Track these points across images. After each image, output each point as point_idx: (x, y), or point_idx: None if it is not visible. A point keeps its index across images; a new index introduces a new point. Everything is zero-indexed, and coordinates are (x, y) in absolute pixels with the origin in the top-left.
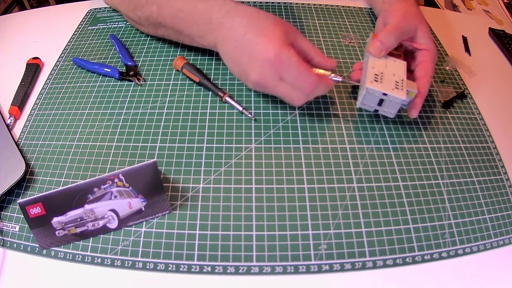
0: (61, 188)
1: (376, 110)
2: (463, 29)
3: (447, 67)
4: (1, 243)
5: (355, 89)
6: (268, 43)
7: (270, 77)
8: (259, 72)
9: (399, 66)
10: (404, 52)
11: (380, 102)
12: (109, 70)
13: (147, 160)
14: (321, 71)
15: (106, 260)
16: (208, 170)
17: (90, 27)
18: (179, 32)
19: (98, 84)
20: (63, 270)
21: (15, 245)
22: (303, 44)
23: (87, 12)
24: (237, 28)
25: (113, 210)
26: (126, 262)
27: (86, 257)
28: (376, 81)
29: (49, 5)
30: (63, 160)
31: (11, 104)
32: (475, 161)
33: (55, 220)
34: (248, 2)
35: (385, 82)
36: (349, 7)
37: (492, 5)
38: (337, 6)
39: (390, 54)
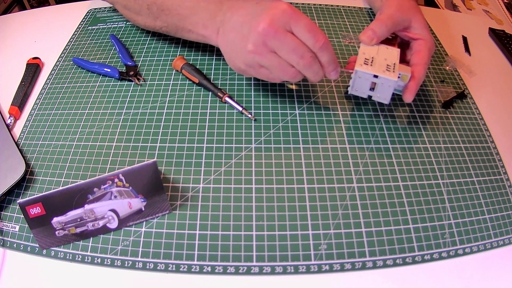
0: (61, 188)
1: (369, 97)
2: (463, 29)
3: (447, 67)
4: (1, 243)
5: None
6: (283, 2)
7: (280, 23)
8: (272, 16)
9: (391, 52)
10: (400, 43)
11: (373, 87)
12: (109, 70)
13: (147, 160)
14: None
15: (106, 260)
16: (208, 170)
17: (90, 27)
18: (182, 19)
19: (98, 84)
20: (63, 270)
21: (15, 245)
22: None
23: (87, 12)
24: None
25: (113, 210)
26: (126, 262)
27: (86, 257)
28: (366, 64)
29: (49, 5)
30: (63, 160)
31: (11, 104)
32: (475, 161)
33: (55, 220)
34: None
35: (376, 65)
36: (349, 7)
37: (492, 5)
38: (337, 6)
39: (385, 43)
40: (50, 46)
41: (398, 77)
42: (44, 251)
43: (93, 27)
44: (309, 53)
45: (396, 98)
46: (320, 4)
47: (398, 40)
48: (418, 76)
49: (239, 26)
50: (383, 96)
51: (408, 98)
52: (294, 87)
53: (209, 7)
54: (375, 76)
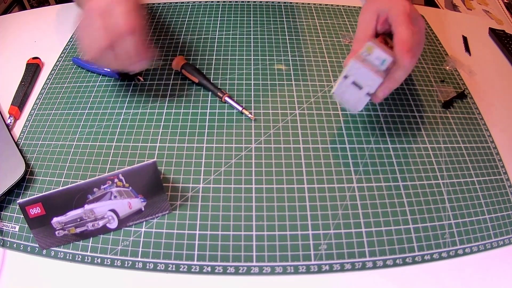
0: (61, 188)
1: (368, 94)
2: (463, 29)
3: (447, 67)
4: (1, 243)
5: None
6: None
7: (105, 3)
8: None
9: None
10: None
11: (358, 86)
12: (109, 70)
13: (147, 160)
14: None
15: (106, 260)
16: (208, 170)
17: None
18: None
19: (98, 84)
20: (63, 270)
21: (15, 245)
22: None
23: None
24: None
25: (113, 210)
26: (126, 262)
27: (86, 257)
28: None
29: (49, 5)
30: (63, 160)
31: (11, 104)
32: (475, 161)
33: (55, 220)
34: (248, 1)
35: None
36: (349, 6)
37: (492, 5)
38: (337, 6)
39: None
40: (50, 46)
41: (365, 55)
42: (44, 251)
43: None
44: (107, 37)
45: (396, 98)
46: (320, 4)
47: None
48: (400, 36)
49: None
50: (370, 80)
51: (402, 56)
52: (283, 67)
53: None
54: (345, 77)
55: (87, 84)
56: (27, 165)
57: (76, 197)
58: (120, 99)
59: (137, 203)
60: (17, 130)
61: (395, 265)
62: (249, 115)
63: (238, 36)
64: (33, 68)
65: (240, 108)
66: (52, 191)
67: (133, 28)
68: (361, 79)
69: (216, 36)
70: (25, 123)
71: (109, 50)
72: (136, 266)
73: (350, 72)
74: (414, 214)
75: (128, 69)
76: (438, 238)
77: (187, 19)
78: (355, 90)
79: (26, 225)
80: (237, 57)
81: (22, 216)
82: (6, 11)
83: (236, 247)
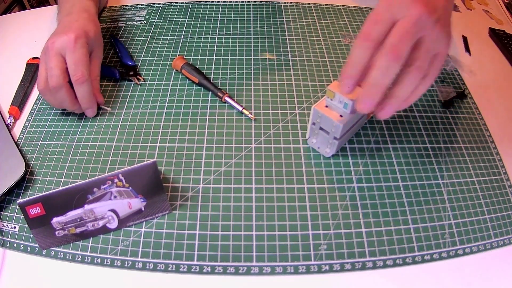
0: (61, 188)
1: (336, 138)
2: (463, 29)
3: (447, 67)
4: (1, 243)
5: None
6: (76, 29)
7: (59, 46)
8: (58, 37)
9: None
10: None
11: (326, 132)
12: (109, 70)
13: (147, 160)
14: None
15: (106, 260)
16: (208, 170)
17: None
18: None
19: None
20: (63, 270)
21: (15, 245)
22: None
23: None
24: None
25: (113, 210)
26: (126, 262)
27: (86, 257)
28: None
29: (49, 5)
30: (63, 160)
31: (11, 104)
32: (475, 161)
33: (55, 220)
34: (248, 1)
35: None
36: (349, 6)
37: (492, 5)
38: (337, 5)
39: None
40: None
41: (328, 100)
42: (44, 251)
43: None
44: (59, 79)
45: None
46: (320, 4)
47: None
48: (367, 81)
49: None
50: (332, 127)
51: (359, 108)
52: (270, 56)
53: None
54: (314, 124)
55: None
56: (27, 165)
57: (76, 197)
58: (120, 99)
59: (137, 203)
60: (17, 130)
61: (395, 265)
62: (249, 115)
63: (238, 36)
64: (33, 68)
65: (240, 108)
66: (52, 191)
67: (85, 76)
68: (325, 125)
69: (216, 36)
70: (25, 123)
71: (52, 93)
72: (136, 266)
73: (315, 119)
74: (414, 214)
75: (75, 112)
76: (438, 238)
77: (187, 19)
78: (324, 134)
79: (26, 225)
80: (237, 57)
81: (22, 216)
82: (6, 11)
83: (236, 247)
